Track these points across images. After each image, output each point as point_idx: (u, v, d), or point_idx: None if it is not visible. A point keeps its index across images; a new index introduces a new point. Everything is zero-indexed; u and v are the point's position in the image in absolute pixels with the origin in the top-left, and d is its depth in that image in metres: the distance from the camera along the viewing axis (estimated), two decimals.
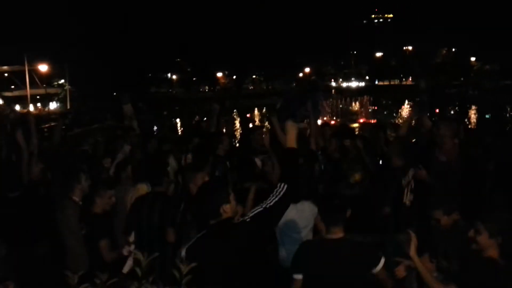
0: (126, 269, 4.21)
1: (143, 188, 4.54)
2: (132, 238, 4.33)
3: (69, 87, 37.77)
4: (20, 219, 4.41)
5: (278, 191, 2.98)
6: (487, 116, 21.92)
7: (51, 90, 37.12)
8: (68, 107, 36.37)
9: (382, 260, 2.98)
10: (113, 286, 1.93)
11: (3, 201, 4.58)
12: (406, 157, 4.61)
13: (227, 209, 2.84)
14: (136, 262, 1.99)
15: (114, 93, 41.04)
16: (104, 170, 5.35)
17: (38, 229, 4.45)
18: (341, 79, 78.50)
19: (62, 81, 39.52)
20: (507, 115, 25.26)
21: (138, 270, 1.94)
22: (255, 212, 2.97)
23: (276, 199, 2.93)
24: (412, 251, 2.98)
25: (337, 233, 3.03)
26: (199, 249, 2.81)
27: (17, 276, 3.92)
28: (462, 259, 2.95)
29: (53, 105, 37.36)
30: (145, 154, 5.75)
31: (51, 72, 35.66)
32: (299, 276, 3.12)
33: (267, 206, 2.96)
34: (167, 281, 2.07)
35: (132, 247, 4.27)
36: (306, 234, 3.97)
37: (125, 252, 4.20)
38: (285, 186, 2.94)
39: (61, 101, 39.15)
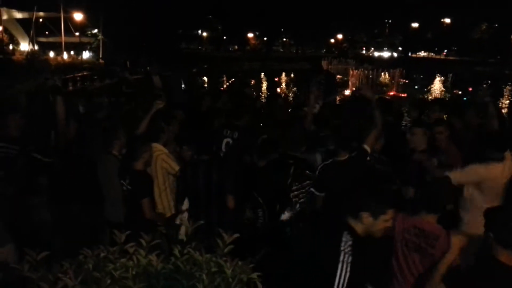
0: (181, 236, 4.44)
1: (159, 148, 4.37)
2: (185, 205, 4.51)
3: (102, 37, 38.15)
4: (62, 180, 4.55)
5: None
6: None
7: (84, 39, 37.57)
8: (101, 56, 36.89)
9: None
10: (156, 248, 1.95)
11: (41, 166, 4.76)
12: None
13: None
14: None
15: (144, 44, 41.25)
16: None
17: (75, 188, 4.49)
18: (373, 48, 76.54)
19: (96, 30, 39.79)
20: None
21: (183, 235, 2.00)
22: None
23: None
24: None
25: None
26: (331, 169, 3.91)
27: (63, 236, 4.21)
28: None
29: (86, 54, 37.89)
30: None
31: (86, 21, 35.92)
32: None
33: None
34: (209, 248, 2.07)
35: (185, 214, 4.42)
36: None
37: (177, 221, 4.24)
38: None
39: (94, 50, 39.69)
